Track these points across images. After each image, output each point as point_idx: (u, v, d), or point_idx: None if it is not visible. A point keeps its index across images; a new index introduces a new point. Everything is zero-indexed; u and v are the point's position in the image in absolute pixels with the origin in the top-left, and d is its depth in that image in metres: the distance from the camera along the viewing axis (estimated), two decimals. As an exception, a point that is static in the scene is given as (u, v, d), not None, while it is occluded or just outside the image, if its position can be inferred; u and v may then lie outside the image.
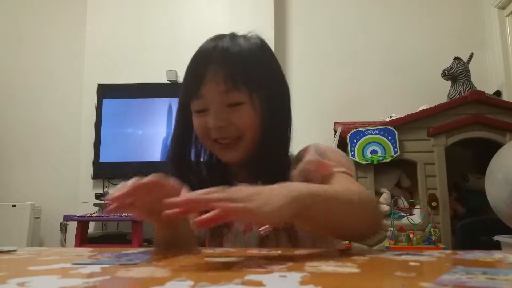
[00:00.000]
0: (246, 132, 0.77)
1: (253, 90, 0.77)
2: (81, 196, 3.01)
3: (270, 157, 0.78)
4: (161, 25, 3.23)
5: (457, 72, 2.67)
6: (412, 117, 2.39)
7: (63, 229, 3.06)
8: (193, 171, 0.83)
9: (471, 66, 2.71)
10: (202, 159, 0.85)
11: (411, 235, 2.08)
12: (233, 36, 0.80)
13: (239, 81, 0.75)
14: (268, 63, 0.83)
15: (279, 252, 0.55)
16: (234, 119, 0.76)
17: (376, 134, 2.35)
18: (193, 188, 0.83)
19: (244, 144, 0.78)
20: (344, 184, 0.71)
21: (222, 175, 0.83)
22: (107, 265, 0.43)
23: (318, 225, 0.61)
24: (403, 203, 2.31)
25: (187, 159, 0.83)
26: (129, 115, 3.13)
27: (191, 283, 0.32)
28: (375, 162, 2.32)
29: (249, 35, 0.83)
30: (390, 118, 2.57)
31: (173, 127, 0.85)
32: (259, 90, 0.78)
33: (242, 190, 0.53)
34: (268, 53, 0.83)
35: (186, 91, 0.79)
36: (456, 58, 2.72)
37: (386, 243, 2.17)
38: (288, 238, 0.77)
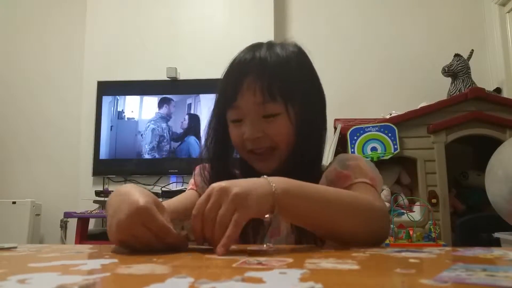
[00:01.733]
0: (281, 143, 0.77)
1: (289, 101, 0.76)
2: (81, 193, 3.01)
3: (302, 167, 0.77)
4: (161, 22, 3.22)
5: (457, 69, 2.67)
6: (412, 114, 2.38)
7: (63, 226, 3.06)
8: (232, 173, 0.84)
9: (471, 63, 2.71)
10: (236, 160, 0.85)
11: (411, 232, 2.08)
12: (270, 45, 0.80)
13: (276, 93, 0.75)
14: (305, 72, 0.82)
15: (279, 249, 0.55)
16: (270, 130, 0.76)
17: (376, 131, 2.35)
18: None
19: (279, 154, 0.78)
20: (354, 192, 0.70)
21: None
22: (107, 263, 0.43)
23: (300, 221, 0.62)
24: (403, 200, 2.31)
25: (227, 161, 0.84)
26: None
27: (191, 280, 0.32)
28: (375, 159, 2.32)
29: (287, 42, 0.83)
30: (390, 115, 2.57)
31: (206, 130, 0.84)
32: (295, 101, 0.77)
33: (227, 191, 0.54)
34: (305, 62, 0.83)
35: (222, 101, 0.80)
36: (456, 55, 2.72)
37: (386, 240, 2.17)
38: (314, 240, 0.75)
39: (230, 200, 0.53)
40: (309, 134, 0.78)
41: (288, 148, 0.78)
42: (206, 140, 0.84)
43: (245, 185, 0.55)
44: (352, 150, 2.34)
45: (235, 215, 0.52)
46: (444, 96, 2.65)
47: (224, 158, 0.83)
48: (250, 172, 0.79)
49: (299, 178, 0.73)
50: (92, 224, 2.97)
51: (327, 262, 0.40)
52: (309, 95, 0.80)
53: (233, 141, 0.80)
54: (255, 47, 0.79)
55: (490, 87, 2.78)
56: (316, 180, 0.77)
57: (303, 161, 0.77)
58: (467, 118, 2.31)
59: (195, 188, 0.88)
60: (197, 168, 0.90)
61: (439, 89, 2.78)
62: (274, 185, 0.56)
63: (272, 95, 0.75)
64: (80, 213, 2.68)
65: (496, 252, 0.46)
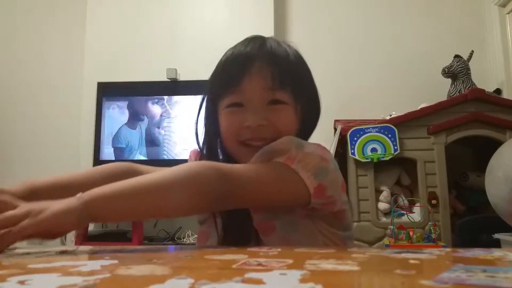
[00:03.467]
0: (284, 135, 0.71)
1: (297, 94, 0.74)
2: (81, 194, 3.00)
3: None
4: (161, 23, 3.23)
5: (457, 70, 2.67)
6: (412, 115, 2.38)
7: (63, 227, 3.06)
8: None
9: (471, 64, 2.71)
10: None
11: (411, 233, 2.08)
12: (274, 39, 0.79)
13: (286, 82, 0.72)
14: (308, 72, 0.81)
15: (279, 250, 0.55)
16: (275, 118, 0.72)
17: (376, 132, 2.35)
18: None
19: None
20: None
21: None
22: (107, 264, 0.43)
23: (123, 219, 0.65)
24: (403, 201, 2.31)
25: (217, 152, 0.79)
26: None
27: (191, 281, 0.32)
28: (375, 160, 2.32)
29: (288, 42, 0.82)
30: (390, 116, 2.57)
31: (204, 122, 0.80)
32: (303, 96, 0.75)
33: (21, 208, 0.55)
34: (306, 63, 0.82)
35: (219, 85, 0.75)
36: (456, 56, 2.72)
37: (386, 241, 2.18)
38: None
39: (23, 212, 0.54)
40: (307, 135, 0.78)
41: None
42: (196, 130, 0.81)
43: (46, 203, 0.56)
44: (352, 151, 2.34)
45: (23, 222, 0.53)
46: (444, 97, 2.65)
47: (214, 150, 0.79)
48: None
49: None
50: (92, 225, 2.97)
51: (327, 263, 0.40)
52: (311, 94, 0.79)
53: (225, 129, 0.74)
54: (258, 39, 0.77)
55: (490, 88, 2.78)
56: None
57: None
58: (467, 119, 2.31)
59: None
60: (193, 153, 0.85)
61: (439, 90, 2.78)
62: (80, 199, 0.56)
63: (283, 83, 0.72)
64: (80, 214, 2.67)
65: (496, 253, 0.46)
